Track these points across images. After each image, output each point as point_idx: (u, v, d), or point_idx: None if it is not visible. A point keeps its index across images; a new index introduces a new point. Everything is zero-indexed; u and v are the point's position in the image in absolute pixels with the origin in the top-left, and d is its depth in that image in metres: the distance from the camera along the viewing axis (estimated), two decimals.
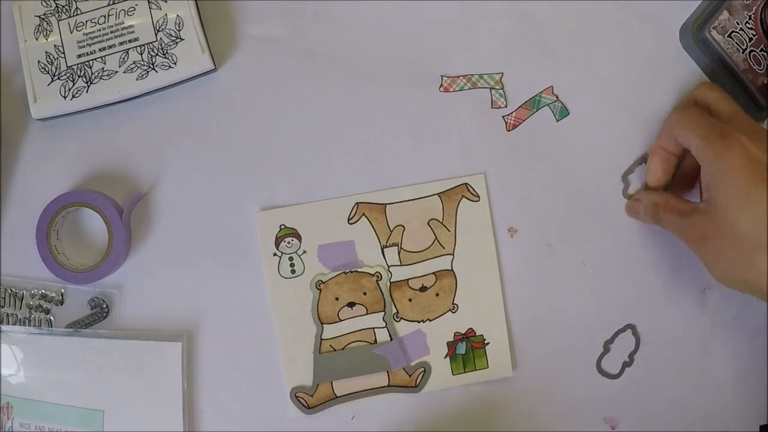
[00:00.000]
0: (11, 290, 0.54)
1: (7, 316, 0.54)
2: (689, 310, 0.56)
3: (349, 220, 0.55)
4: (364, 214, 0.55)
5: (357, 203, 0.55)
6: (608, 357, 0.56)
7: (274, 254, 0.55)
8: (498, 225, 0.55)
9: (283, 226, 0.55)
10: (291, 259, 0.55)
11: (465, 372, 0.55)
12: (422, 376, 0.55)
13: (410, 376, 0.55)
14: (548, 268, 0.56)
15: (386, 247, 0.55)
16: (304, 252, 0.55)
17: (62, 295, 0.54)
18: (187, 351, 0.54)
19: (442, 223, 0.55)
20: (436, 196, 0.55)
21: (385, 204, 0.55)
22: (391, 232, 0.55)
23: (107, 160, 0.55)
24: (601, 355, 0.56)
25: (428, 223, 0.55)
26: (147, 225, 0.55)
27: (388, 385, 0.55)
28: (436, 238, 0.55)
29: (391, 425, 0.55)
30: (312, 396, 0.55)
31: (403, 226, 0.55)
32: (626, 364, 0.56)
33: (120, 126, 0.55)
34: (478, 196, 0.55)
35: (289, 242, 0.55)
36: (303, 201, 0.55)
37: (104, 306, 0.54)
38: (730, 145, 0.45)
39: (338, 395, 0.55)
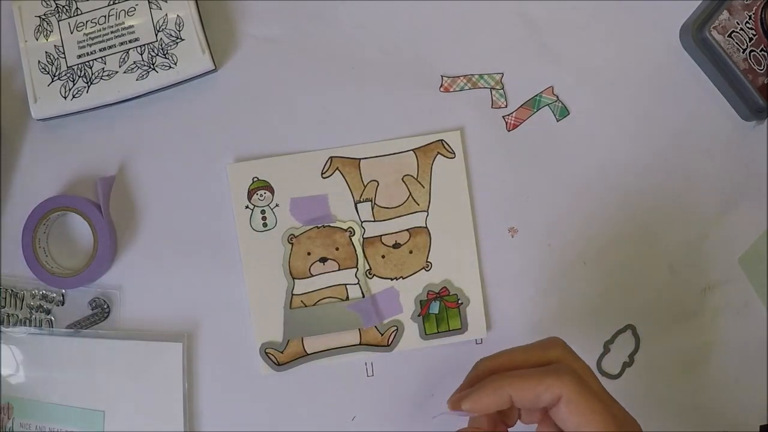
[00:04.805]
0: (12, 290, 0.54)
1: (8, 316, 0.54)
2: (689, 310, 0.56)
3: (322, 174, 0.54)
4: (337, 168, 0.54)
5: (331, 157, 0.54)
6: (608, 357, 0.56)
7: (246, 207, 0.54)
8: (498, 224, 0.55)
9: (255, 179, 0.54)
10: (263, 212, 0.54)
11: (438, 332, 0.55)
12: (394, 335, 0.54)
13: (382, 334, 0.54)
14: (548, 268, 0.56)
15: (360, 202, 0.55)
16: (277, 205, 0.54)
17: (63, 296, 0.54)
18: (188, 351, 0.54)
19: (416, 179, 0.55)
20: (411, 152, 0.55)
21: (360, 159, 0.54)
22: (365, 187, 0.54)
23: (107, 160, 0.55)
24: (601, 355, 0.56)
25: (403, 179, 0.55)
26: (145, 224, 0.55)
27: (360, 344, 0.54)
28: (410, 194, 0.55)
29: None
30: (282, 352, 0.54)
31: (377, 182, 0.54)
32: (626, 364, 0.56)
33: (120, 126, 0.55)
34: (454, 153, 0.55)
35: (261, 195, 0.54)
36: (276, 153, 0.54)
37: (105, 306, 0.54)
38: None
39: (309, 352, 0.54)
